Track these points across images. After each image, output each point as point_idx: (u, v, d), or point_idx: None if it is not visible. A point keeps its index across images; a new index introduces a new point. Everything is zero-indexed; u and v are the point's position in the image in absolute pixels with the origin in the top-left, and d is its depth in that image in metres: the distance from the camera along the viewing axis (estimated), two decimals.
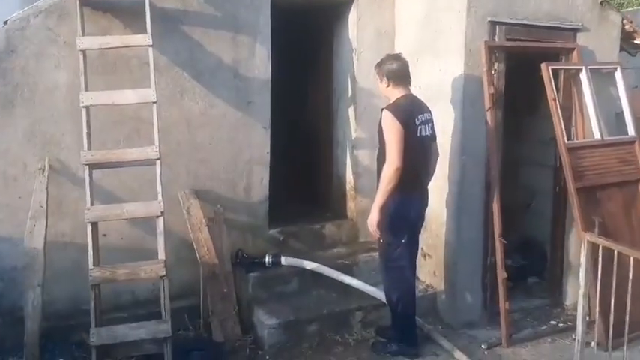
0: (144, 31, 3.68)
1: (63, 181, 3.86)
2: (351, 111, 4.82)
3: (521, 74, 4.31)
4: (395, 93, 3.64)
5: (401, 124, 3.47)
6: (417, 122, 3.58)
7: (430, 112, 3.71)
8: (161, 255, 3.49)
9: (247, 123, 4.34)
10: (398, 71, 3.63)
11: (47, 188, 3.73)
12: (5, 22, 3.65)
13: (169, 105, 4.09)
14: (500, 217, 3.99)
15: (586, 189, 3.96)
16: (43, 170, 3.77)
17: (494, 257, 4.04)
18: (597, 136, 4.13)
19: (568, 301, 4.58)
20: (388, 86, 3.64)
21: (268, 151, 4.45)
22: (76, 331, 3.75)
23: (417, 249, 3.90)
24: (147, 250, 3.77)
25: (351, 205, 4.91)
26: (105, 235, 3.95)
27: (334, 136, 5.11)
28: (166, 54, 4.04)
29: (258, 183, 4.45)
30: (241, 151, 4.35)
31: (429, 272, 4.49)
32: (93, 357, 3.30)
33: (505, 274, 3.93)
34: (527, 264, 4.92)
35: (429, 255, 4.48)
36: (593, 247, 3.13)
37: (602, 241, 3.06)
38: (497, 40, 4.03)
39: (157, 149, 3.55)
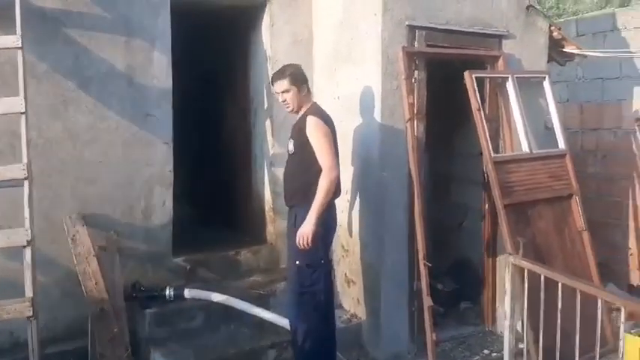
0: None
1: None
2: (267, 124, 4.41)
3: (450, 83, 4.02)
4: (308, 101, 3.40)
5: (330, 129, 3.25)
6: (335, 132, 3.34)
7: None
8: (29, 292, 2.95)
9: (145, 138, 3.86)
10: (307, 78, 3.42)
11: None
12: None
13: (51, 117, 3.59)
14: (425, 238, 3.63)
15: (515, 206, 3.66)
16: None
17: (421, 282, 3.66)
18: (526, 149, 3.86)
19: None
20: (304, 95, 3.36)
21: (171, 169, 3.98)
22: None
23: (331, 269, 3.51)
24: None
25: (270, 228, 4.47)
26: None
27: (252, 152, 4.68)
28: (46, 60, 3.54)
29: (159, 205, 3.95)
30: (138, 169, 3.86)
31: (353, 300, 4.08)
32: None
33: (430, 302, 3.56)
34: (459, 288, 4.59)
35: (352, 281, 4.07)
36: (520, 271, 2.80)
37: (527, 265, 2.73)
38: (416, 45, 3.71)
39: (25, 167, 3.02)
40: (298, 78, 3.33)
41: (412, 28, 3.70)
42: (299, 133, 3.24)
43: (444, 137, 4.84)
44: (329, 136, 3.19)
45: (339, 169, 3.22)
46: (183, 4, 3.96)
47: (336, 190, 3.22)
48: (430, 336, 3.54)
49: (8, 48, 3.14)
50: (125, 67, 3.76)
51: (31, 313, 2.88)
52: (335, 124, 3.92)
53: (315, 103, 3.41)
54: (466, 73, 3.71)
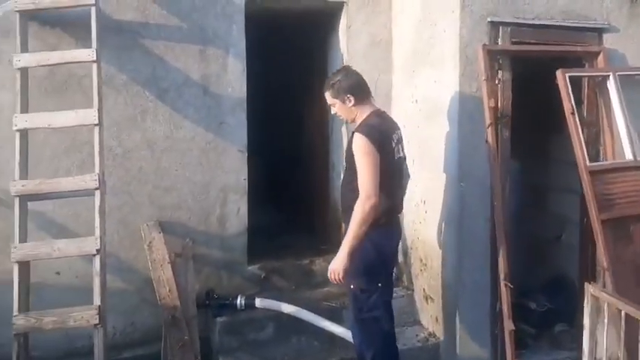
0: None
1: (10, 214, 3.47)
2: (344, 131, 4.26)
3: (544, 84, 3.64)
4: (362, 111, 3.04)
5: (377, 148, 2.87)
6: (393, 143, 3.01)
7: (399, 128, 3.13)
8: (97, 300, 3.03)
9: (220, 146, 3.87)
10: (360, 84, 3.06)
11: None
12: None
13: (129, 127, 3.69)
14: (508, 256, 3.30)
15: (615, 220, 3.22)
16: None
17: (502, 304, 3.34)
18: (630, 156, 3.39)
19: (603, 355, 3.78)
20: (354, 105, 3.02)
21: (245, 177, 3.96)
22: None
23: (392, 293, 3.26)
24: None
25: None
26: (58, 273, 3.62)
27: (329, 159, 4.56)
28: (125, 71, 3.65)
29: (234, 213, 3.95)
30: (213, 177, 3.88)
31: (431, 318, 3.83)
32: None
33: (512, 326, 3.23)
34: (554, 308, 4.15)
35: (430, 298, 3.82)
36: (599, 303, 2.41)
37: (607, 297, 2.33)
38: (500, 43, 3.38)
39: (97, 178, 3.11)
40: (341, 90, 3.01)
41: (495, 25, 3.38)
42: (348, 148, 3.00)
43: (540, 143, 4.42)
44: (371, 156, 2.84)
45: (377, 198, 2.83)
46: (257, 11, 3.92)
47: (386, 210, 2.93)
48: None
49: (84, 61, 3.25)
50: (200, 77, 3.79)
51: (97, 321, 2.94)
52: (413, 129, 3.73)
53: (374, 112, 3.07)
54: (558, 72, 3.33)
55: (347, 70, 3.15)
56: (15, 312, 2.95)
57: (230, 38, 3.83)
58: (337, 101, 3.06)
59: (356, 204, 2.85)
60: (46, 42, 3.47)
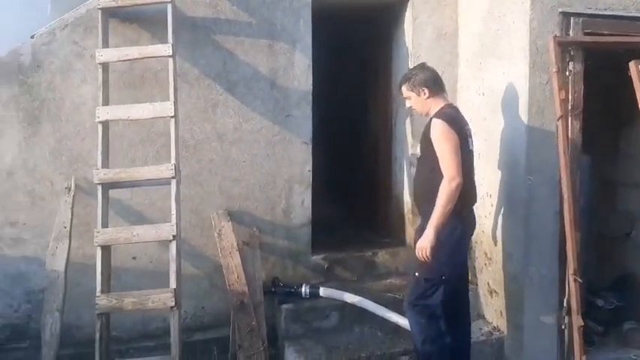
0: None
1: (90, 201, 3.67)
2: (408, 124, 4.29)
3: (615, 76, 3.56)
4: (436, 104, 3.16)
5: (455, 133, 2.99)
6: (467, 134, 3.10)
7: (468, 124, 3.19)
8: (172, 283, 3.18)
9: (286, 138, 3.97)
10: (435, 79, 3.20)
11: (72, 208, 3.57)
12: (32, 37, 3.57)
13: (201, 119, 3.83)
14: (578, 250, 3.25)
15: None
16: (69, 189, 3.62)
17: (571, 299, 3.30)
18: None
19: None
20: (428, 98, 3.16)
21: (310, 168, 4.04)
22: None
23: (463, 290, 3.28)
24: None
25: (409, 231, 4.34)
26: (134, 258, 3.80)
27: (392, 153, 4.59)
28: (197, 65, 3.79)
29: (299, 204, 4.04)
30: (279, 168, 3.98)
31: (496, 312, 3.81)
32: None
33: (581, 321, 3.18)
34: (623, 305, 4.06)
35: (495, 292, 3.80)
36: None
37: None
38: (571, 34, 3.33)
39: (173, 167, 3.26)
40: (416, 83, 3.17)
41: (566, 16, 3.33)
42: (424, 136, 3.10)
43: (608, 138, 4.31)
44: (452, 140, 2.96)
45: (461, 178, 2.93)
46: (324, 5, 3.99)
47: (465, 198, 3.00)
48: (580, 358, 3.17)
49: (160, 56, 3.40)
50: (268, 70, 3.89)
51: (173, 303, 3.09)
52: (479, 122, 3.72)
53: (448, 104, 3.19)
54: (631, 64, 3.24)
55: (423, 66, 3.28)
56: (98, 293, 3.13)
57: (297, 33, 3.92)
58: (413, 94, 3.19)
59: (441, 185, 2.94)
60: (126, 37, 3.64)
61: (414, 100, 3.22)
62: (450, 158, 2.93)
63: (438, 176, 2.96)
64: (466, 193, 3.02)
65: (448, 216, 2.93)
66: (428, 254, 2.97)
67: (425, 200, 3.11)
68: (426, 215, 3.09)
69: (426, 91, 3.15)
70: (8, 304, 3.65)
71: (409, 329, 3.49)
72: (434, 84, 3.17)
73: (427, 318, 3.10)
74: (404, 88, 3.24)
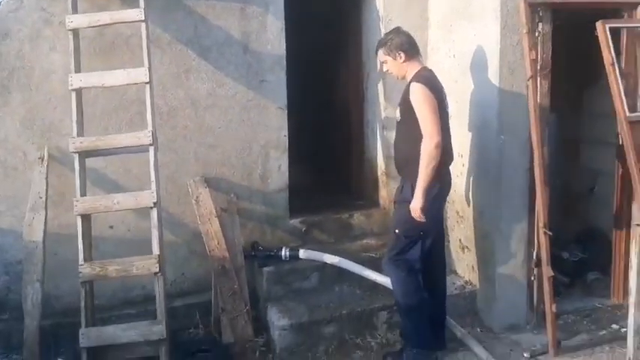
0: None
1: (65, 171, 3.64)
2: (380, 88, 4.34)
3: (578, 36, 3.68)
4: (412, 67, 3.23)
5: (434, 96, 3.08)
6: (443, 96, 3.19)
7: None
8: (155, 250, 3.20)
9: (260, 103, 3.98)
10: (410, 43, 3.25)
11: (47, 178, 3.54)
12: None
13: (174, 85, 3.81)
14: (547, 205, 3.40)
15: None
16: (42, 159, 3.58)
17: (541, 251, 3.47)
18: None
19: None
20: (404, 61, 3.22)
21: (286, 134, 4.07)
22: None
23: (439, 246, 3.41)
24: None
25: (383, 193, 4.45)
26: (112, 227, 3.80)
27: (364, 116, 4.65)
28: (169, 31, 3.74)
29: (275, 169, 4.08)
30: (255, 134, 4.00)
31: (468, 267, 3.97)
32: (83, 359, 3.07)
33: (551, 272, 3.35)
34: (587, 257, 4.28)
35: (467, 248, 3.95)
36: None
37: None
38: None
39: (150, 134, 3.24)
40: (392, 47, 3.21)
41: None
42: (404, 100, 3.17)
43: (572, 96, 4.46)
44: (431, 102, 3.04)
45: (440, 137, 3.02)
46: None
47: (443, 157, 3.09)
48: (550, 307, 3.36)
49: (132, 21, 3.34)
50: (240, 35, 3.87)
51: (157, 270, 3.12)
52: (450, 84, 3.79)
53: (424, 67, 3.26)
54: (598, 24, 3.35)
55: (398, 30, 3.31)
56: (81, 261, 3.13)
57: None
58: (389, 58, 3.24)
59: (422, 144, 3.02)
60: (94, 3, 3.55)
61: (390, 64, 3.27)
62: (430, 119, 3.01)
63: (419, 138, 3.04)
64: (445, 153, 3.11)
65: (433, 172, 3.02)
66: (420, 214, 3.06)
67: (406, 162, 3.19)
68: (406, 176, 3.19)
69: (402, 55, 3.20)
70: None
71: (387, 286, 3.63)
72: (410, 48, 3.22)
73: (406, 272, 3.21)
74: (380, 53, 3.28)
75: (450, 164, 3.29)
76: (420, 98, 3.04)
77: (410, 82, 3.13)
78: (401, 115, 3.22)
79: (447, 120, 3.22)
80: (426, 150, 3.01)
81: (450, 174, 3.29)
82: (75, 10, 3.37)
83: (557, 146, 4.23)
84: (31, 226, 3.47)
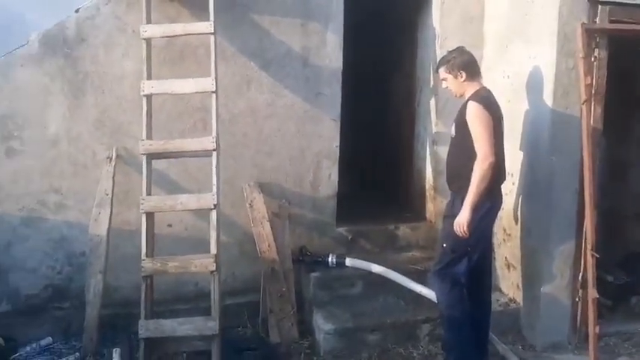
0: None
1: (130, 170, 3.87)
2: (432, 103, 4.44)
3: (630, 63, 3.71)
4: (472, 87, 3.32)
5: (490, 115, 3.17)
6: (500, 116, 3.28)
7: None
8: (213, 249, 3.37)
9: (316, 115, 4.13)
10: (473, 63, 3.35)
11: (113, 177, 3.76)
12: (76, 11, 3.70)
13: (236, 95, 3.99)
14: (595, 228, 3.44)
15: None
16: (110, 159, 3.80)
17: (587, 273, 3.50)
18: None
19: None
20: (465, 80, 3.31)
21: (337, 144, 4.22)
22: (137, 320, 3.76)
23: (485, 262, 3.46)
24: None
25: (430, 206, 4.53)
26: (170, 225, 3.99)
27: (415, 130, 4.75)
28: (234, 43, 3.93)
29: (326, 178, 4.23)
30: (309, 144, 4.16)
31: (512, 285, 4.02)
32: (140, 350, 3.26)
33: (596, 294, 3.39)
34: (631, 281, 4.27)
35: (512, 266, 4.01)
36: None
37: None
38: (598, 22, 3.47)
39: (214, 140, 3.42)
40: (455, 66, 3.31)
41: (594, 3, 3.46)
42: (460, 118, 3.25)
43: (621, 121, 4.47)
44: (487, 122, 3.13)
45: (493, 157, 3.10)
46: None
47: (496, 176, 3.17)
48: (593, 329, 3.39)
49: (202, 34, 3.53)
50: (301, 49, 4.04)
51: (214, 268, 3.28)
52: (503, 103, 3.85)
53: (483, 87, 3.34)
54: None
55: (461, 50, 3.41)
56: (143, 257, 3.32)
57: (330, 12, 4.05)
58: (450, 76, 3.34)
59: (475, 164, 3.12)
60: (166, 14, 3.78)
61: (450, 82, 3.37)
62: (485, 139, 3.10)
63: (472, 155, 3.13)
64: (498, 172, 3.19)
65: (483, 192, 3.11)
66: (465, 229, 3.15)
67: (458, 177, 3.28)
68: (457, 191, 3.28)
69: (463, 74, 3.29)
70: (51, 266, 3.86)
71: (431, 299, 3.72)
72: (471, 68, 3.31)
73: (451, 285, 3.29)
74: (442, 70, 3.38)
75: (502, 183, 3.36)
76: (476, 118, 3.13)
77: (467, 101, 3.22)
78: (456, 132, 3.31)
79: (502, 140, 3.29)
80: (479, 170, 3.09)
81: (501, 193, 3.36)
82: (149, 21, 3.58)
83: (605, 169, 4.24)
84: (97, 221, 3.69)
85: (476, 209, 3.14)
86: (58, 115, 3.74)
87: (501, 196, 3.37)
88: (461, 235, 3.17)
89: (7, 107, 3.67)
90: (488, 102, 3.21)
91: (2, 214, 3.75)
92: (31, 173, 3.75)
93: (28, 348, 3.61)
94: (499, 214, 3.96)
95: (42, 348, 3.65)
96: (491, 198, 3.22)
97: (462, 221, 3.16)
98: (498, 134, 3.22)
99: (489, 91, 3.36)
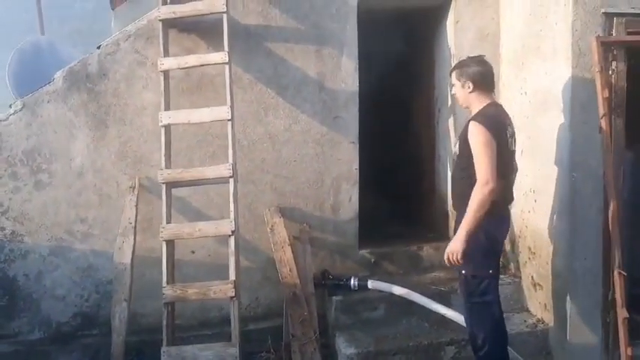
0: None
1: (153, 199, 3.95)
2: (451, 123, 4.42)
3: None
4: (479, 101, 3.15)
5: (493, 136, 2.99)
6: (508, 134, 3.12)
7: (512, 124, 3.22)
8: (232, 275, 3.41)
9: (334, 138, 4.16)
10: (485, 75, 3.15)
11: (137, 206, 3.85)
12: (98, 47, 3.85)
13: (254, 122, 4.05)
14: (621, 244, 3.33)
15: None
16: (134, 188, 3.90)
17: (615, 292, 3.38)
18: None
19: None
20: (471, 92, 3.14)
21: (357, 167, 4.22)
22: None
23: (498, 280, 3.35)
24: None
25: (452, 226, 4.46)
26: (193, 252, 4.05)
27: (436, 150, 4.72)
28: (250, 71, 4.00)
29: (346, 200, 4.23)
30: (328, 167, 4.17)
31: (540, 305, 3.91)
32: None
33: (626, 314, 3.26)
34: None
35: (539, 285, 3.90)
36: None
37: None
38: (614, 34, 3.40)
39: (230, 167, 3.48)
40: (464, 74, 3.14)
41: (610, 16, 3.39)
42: (462, 137, 3.11)
43: None
44: (489, 145, 2.93)
45: (495, 183, 2.92)
46: (369, 10, 4.15)
47: (499, 199, 3.03)
48: (625, 350, 3.26)
49: (217, 63, 3.63)
50: (316, 74, 4.08)
51: (233, 294, 3.32)
52: (521, 120, 3.82)
53: (491, 103, 3.17)
54: None
55: (480, 59, 3.22)
56: (164, 284, 3.39)
57: (344, 37, 4.09)
58: (458, 83, 3.20)
59: (474, 189, 2.95)
60: (183, 46, 3.89)
61: (457, 90, 3.21)
62: (485, 163, 2.92)
63: (473, 177, 2.99)
64: (504, 195, 3.07)
65: (480, 219, 2.95)
66: (459, 258, 3.00)
67: (463, 198, 3.09)
68: (461, 212, 3.13)
69: (471, 85, 3.12)
70: (79, 294, 3.97)
71: (456, 321, 3.66)
72: (481, 80, 3.12)
73: (485, 314, 3.15)
74: (453, 74, 3.24)
75: (511, 204, 3.27)
76: (477, 141, 2.96)
77: (470, 120, 3.08)
78: (459, 151, 3.16)
79: (509, 159, 3.14)
80: (478, 195, 2.93)
81: (509, 212, 3.28)
82: (166, 53, 3.70)
83: (635, 184, 4.11)
84: (121, 250, 3.78)
85: (486, 233, 3.02)
86: (82, 148, 3.87)
87: (509, 215, 3.29)
88: (451, 264, 3.06)
89: (35, 142, 3.83)
90: (492, 121, 3.02)
91: (33, 244, 3.89)
92: (59, 204, 3.88)
93: None
94: (523, 232, 3.92)
95: None
96: (497, 213, 3.07)
97: (454, 249, 3.00)
98: (505, 154, 3.06)
99: (499, 106, 3.22)
